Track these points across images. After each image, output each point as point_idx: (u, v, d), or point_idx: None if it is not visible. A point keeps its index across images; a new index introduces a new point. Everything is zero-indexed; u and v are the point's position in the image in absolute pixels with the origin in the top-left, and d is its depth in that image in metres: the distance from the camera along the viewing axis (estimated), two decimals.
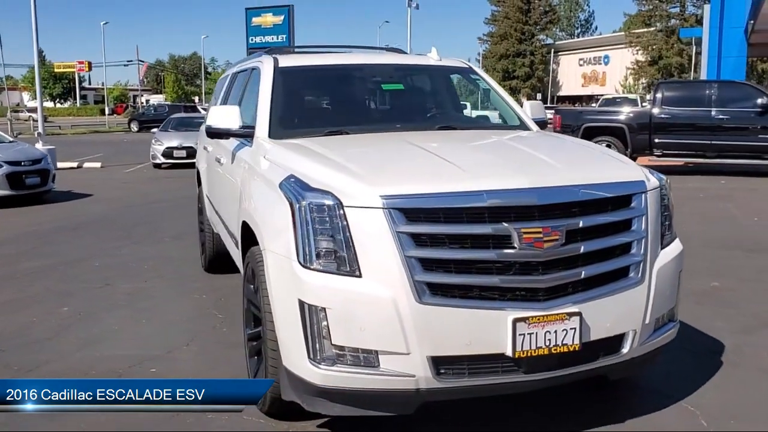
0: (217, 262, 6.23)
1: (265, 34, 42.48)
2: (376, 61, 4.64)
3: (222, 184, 4.71)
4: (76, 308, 5.37)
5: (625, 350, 3.04)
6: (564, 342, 2.83)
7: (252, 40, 42.63)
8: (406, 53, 5.45)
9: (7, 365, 4.20)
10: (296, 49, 5.17)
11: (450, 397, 2.89)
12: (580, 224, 2.88)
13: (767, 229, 8.24)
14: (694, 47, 52.09)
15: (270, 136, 3.88)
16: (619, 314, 2.99)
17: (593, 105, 32.93)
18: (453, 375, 2.81)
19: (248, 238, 3.70)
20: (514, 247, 2.77)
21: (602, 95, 40.34)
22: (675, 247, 3.28)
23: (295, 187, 2.98)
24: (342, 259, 2.79)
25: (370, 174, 2.95)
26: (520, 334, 2.76)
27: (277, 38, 42.23)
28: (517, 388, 2.92)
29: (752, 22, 22.58)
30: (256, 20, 42.64)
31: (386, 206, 2.75)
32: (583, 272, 2.89)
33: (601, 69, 70.26)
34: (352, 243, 2.77)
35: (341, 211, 2.79)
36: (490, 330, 2.77)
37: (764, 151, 13.09)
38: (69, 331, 4.82)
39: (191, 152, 17.45)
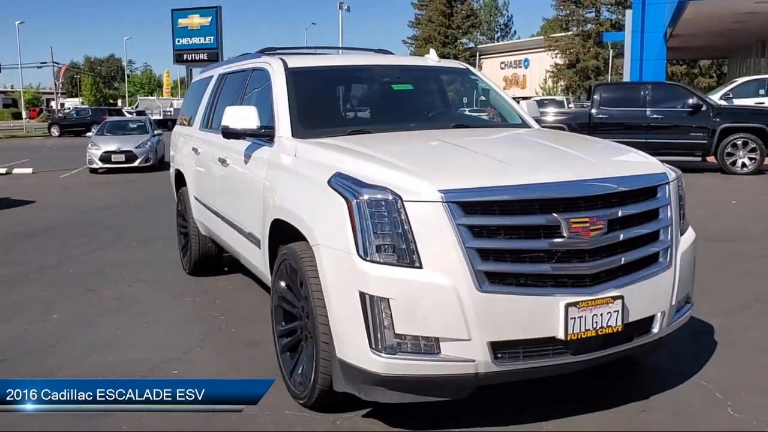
0: (202, 265, 6.20)
1: (192, 36, 41.77)
2: (382, 62, 4.75)
3: (229, 185, 4.71)
4: (66, 315, 5.24)
5: (655, 330, 3.28)
6: (608, 324, 3.03)
7: (178, 41, 41.85)
8: (393, 54, 5.58)
9: (17, 373, 4.09)
10: (285, 51, 5.20)
11: (504, 379, 3.05)
12: (619, 213, 3.10)
13: (714, 220, 8.79)
14: (610, 51, 54.44)
15: (294, 135, 3.94)
16: (652, 297, 3.23)
17: None
18: (509, 359, 2.96)
19: (278, 235, 3.77)
20: (563, 236, 2.95)
21: (523, 98, 41.56)
22: (690, 234, 3.55)
23: (348, 184, 3.07)
24: (402, 251, 2.90)
25: (425, 170, 3.08)
26: (571, 318, 2.94)
27: (205, 40, 41.63)
28: (564, 369, 3.11)
29: (671, 28, 23.88)
30: (182, 21, 41.84)
31: (445, 200, 2.88)
32: (622, 258, 3.10)
33: (522, 72, 72.32)
34: (413, 236, 2.89)
35: (401, 206, 2.90)
36: (543, 315, 2.94)
37: (696, 148, 13.92)
38: (70, 338, 4.72)
39: (130, 156, 17.07)
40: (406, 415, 3.30)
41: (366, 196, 2.96)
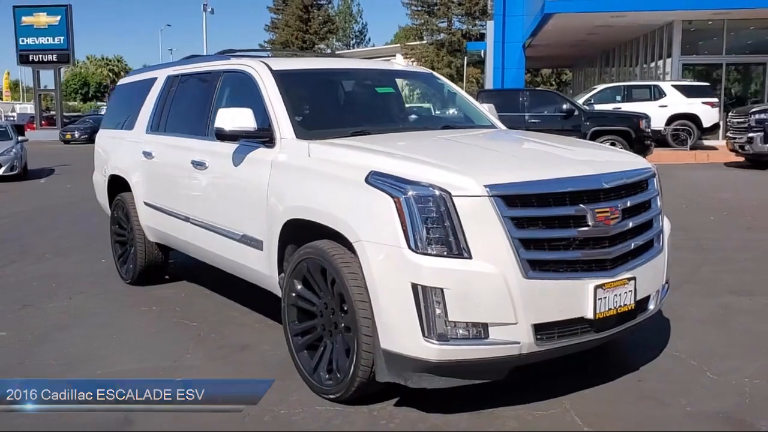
0: (147, 273, 5.99)
1: (39, 36, 38.87)
2: (361, 66, 4.89)
3: (210, 188, 4.63)
4: (15, 332, 4.89)
5: (651, 307, 3.70)
6: (625, 303, 3.40)
7: (23, 41, 38.84)
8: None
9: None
10: (241, 53, 5.19)
11: (540, 358, 3.31)
12: (628, 204, 3.47)
13: None
14: (465, 60, 57.07)
15: (297, 137, 3.99)
16: (651, 277, 3.64)
17: None
18: (546, 339, 3.24)
19: (289, 236, 3.82)
20: (588, 225, 3.28)
21: None
22: (667, 221, 4.02)
23: (391, 182, 3.21)
24: (452, 243, 3.09)
25: (463, 167, 3.28)
26: (599, 299, 3.27)
27: (54, 40, 38.88)
28: (588, 345, 3.43)
29: (530, 39, 25.58)
30: (27, 20, 38.78)
31: (490, 194, 3.11)
32: (632, 244, 3.48)
33: None
34: (462, 229, 3.09)
35: (450, 201, 3.09)
36: (576, 297, 3.25)
37: None
38: (36, 355, 4.42)
39: None
40: (437, 400, 3.47)
41: (414, 193, 3.12)
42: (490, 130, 4.73)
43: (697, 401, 3.52)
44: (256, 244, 4.13)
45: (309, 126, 4.14)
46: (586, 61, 37.09)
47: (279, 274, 3.98)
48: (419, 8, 72.55)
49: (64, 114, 40.19)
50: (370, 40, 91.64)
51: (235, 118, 4.07)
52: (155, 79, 5.89)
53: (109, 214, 6.65)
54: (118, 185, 6.28)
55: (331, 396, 3.53)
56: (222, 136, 4.12)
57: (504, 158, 3.54)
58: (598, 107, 17.86)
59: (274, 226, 3.89)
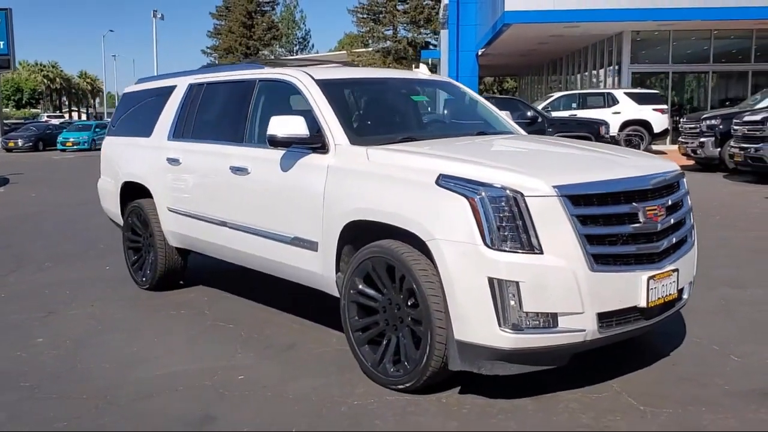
0: (167, 279, 6.07)
1: None
2: (393, 75, 5.12)
3: (255, 193, 4.76)
4: (51, 338, 4.92)
5: (685, 296, 4.05)
6: (670, 292, 3.74)
7: None
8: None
9: (65, 396, 3.89)
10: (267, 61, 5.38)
11: (599, 344, 3.60)
12: (669, 202, 3.81)
13: None
14: (413, 68, 57.68)
15: (351, 143, 4.20)
16: (687, 269, 3.99)
17: None
18: (606, 326, 3.53)
19: (347, 237, 4.03)
20: (640, 222, 3.60)
21: None
22: None
23: (463, 184, 3.46)
24: (525, 240, 3.35)
25: (530, 169, 3.56)
26: (651, 289, 3.59)
27: None
28: (638, 332, 3.75)
29: (485, 48, 26.22)
30: None
31: (559, 194, 3.39)
32: (674, 238, 3.82)
33: None
34: (533, 226, 3.36)
35: (522, 201, 3.35)
36: (632, 287, 3.56)
37: None
38: (84, 359, 4.49)
39: None
40: (496, 387, 3.73)
41: (488, 194, 3.38)
42: (522, 136, 5.04)
43: (731, 381, 3.87)
44: (310, 245, 4.31)
45: (360, 133, 4.35)
46: (533, 70, 38.18)
47: (336, 273, 4.17)
48: (365, 16, 73.20)
49: (4, 122, 38.91)
50: (313, 46, 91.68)
51: (288, 125, 4.24)
52: (174, 87, 5.98)
53: (117, 222, 6.68)
54: (132, 192, 6.33)
55: (400, 386, 3.75)
56: (274, 142, 4.29)
57: (561, 161, 3.85)
58: (555, 114, 18.53)
59: (333, 227, 4.08)
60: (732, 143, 14.05)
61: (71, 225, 10.30)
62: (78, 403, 3.81)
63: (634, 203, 3.60)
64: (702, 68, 23.64)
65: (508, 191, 3.37)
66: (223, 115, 5.41)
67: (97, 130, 36.40)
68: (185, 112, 5.71)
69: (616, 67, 23.12)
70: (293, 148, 4.39)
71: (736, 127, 13.77)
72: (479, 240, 3.36)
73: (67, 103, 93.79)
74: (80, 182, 17.59)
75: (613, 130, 18.71)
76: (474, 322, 3.41)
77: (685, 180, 4.17)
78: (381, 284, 3.86)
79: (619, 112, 19.37)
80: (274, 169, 4.55)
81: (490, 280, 3.34)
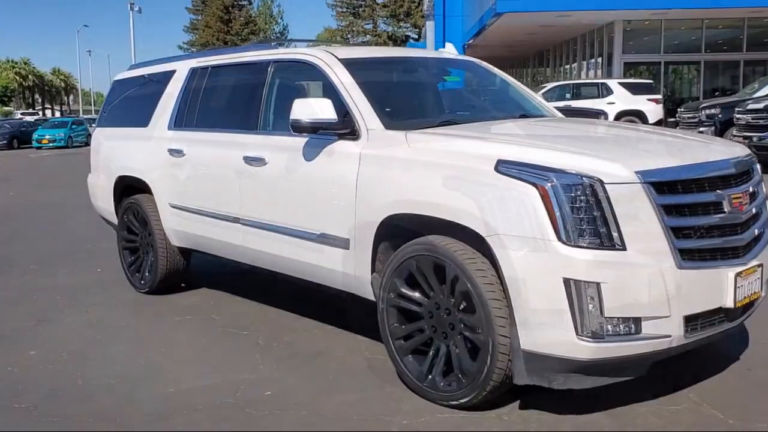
0: (169, 281, 5.57)
1: None
2: (420, 55, 4.65)
3: (274, 186, 4.26)
4: (45, 350, 4.40)
5: (763, 294, 3.63)
6: (755, 290, 3.32)
7: None
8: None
9: (68, 418, 3.39)
10: (295, 42, 4.90)
11: (679, 351, 3.16)
12: (750, 189, 3.39)
13: None
14: None
15: (386, 128, 3.73)
16: (765, 263, 3.57)
17: None
18: (692, 331, 3.10)
19: (384, 232, 3.58)
20: (724, 212, 3.17)
21: None
22: None
23: (530, 171, 3.01)
24: (605, 234, 2.91)
25: (610, 153, 3.12)
26: (738, 286, 3.17)
27: None
28: (722, 335, 3.32)
29: (473, 39, 25.83)
30: None
31: (642, 181, 2.95)
32: (756, 230, 3.40)
33: None
34: (615, 218, 2.92)
35: (601, 189, 2.91)
36: (719, 286, 3.13)
37: None
38: (86, 374, 3.98)
39: None
40: (559, 402, 3.29)
41: (561, 181, 2.93)
42: (573, 119, 4.61)
43: None
44: (340, 242, 3.84)
45: (393, 117, 3.88)
46: (518, 62, 37.86)
47: (371, 273, 3.71)
48: (344, 10, 72.70)
49: None
50: (292, 41, 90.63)
51: (314, 108, 3.77)
52: (173, 71, 5.47)
53: (111, 220, 6.16)
54: (126, 187, 5.82)
55: (454, 402, 3.29)
56: (298, 127, 3.81)
57: (635, 144, 3.41)
58: (551, 104, 18.13)
59: (369, 222, 3.62)
60: (734, 132, 13.75)
61: (54, 224, 9.70)
62: (84, 426, 3.32)
63: (718, 190, 3.17)
64: (694, 58, 23.46)
65: (584, 178, 2.92)
66: (232, 100, 4.91)
67: (73, 126, 35.55)
68: (187, 98, 5.20)
69: (607, 58, 22.84)
70: (318, 134, 3.91)
71: (738, 116, 13.49)
72: (552, 235, 2.91)
73: (40, 100, 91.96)
74: (59, 180, 16.96)
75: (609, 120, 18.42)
76: (546, 330, 2.97)
77: (758, 165, 3.75)
78: (427, 286, 3.41)
79: (613, 103, 19.04)
80: (296, 159, 4.07)
81: (566, 282, 2.89)
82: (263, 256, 4.50)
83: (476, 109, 4.51)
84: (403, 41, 66.07)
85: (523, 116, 4.37)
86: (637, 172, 2.96)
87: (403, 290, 3.50)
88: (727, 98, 16.78)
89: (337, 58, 4.15)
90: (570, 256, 2.88)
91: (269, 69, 4.52)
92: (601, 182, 2.91)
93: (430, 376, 3.40)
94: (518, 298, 3.00)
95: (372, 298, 3.79)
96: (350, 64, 4.11)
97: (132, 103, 6.01)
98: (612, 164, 2.99)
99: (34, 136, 34.18)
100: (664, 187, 3.01)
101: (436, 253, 3.30)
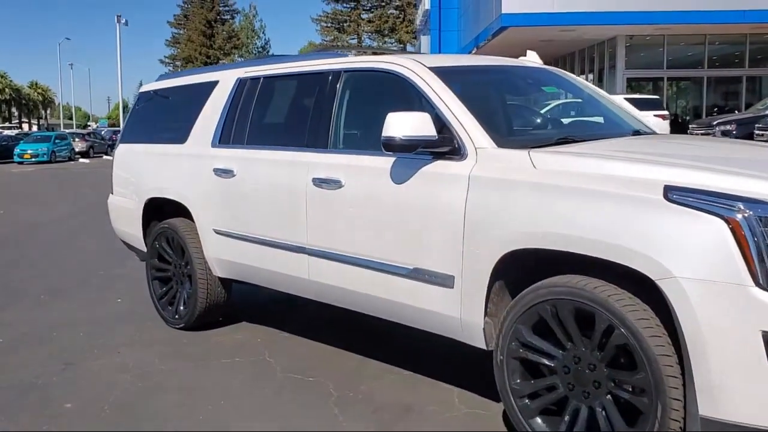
0: (209, 316, 4.98)
1: None
2: (510, 63, 4.12)
3: (356, 212, 3.68)
4: (81, 403, 3.79)
5: None
6: None
7: None
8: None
9: None
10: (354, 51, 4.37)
11: None
12: None
13: None
14: None
15: (498, 146, 3.20)
16: None
17: None
18: None
19: (506, 271, 3.04)
20: None
21: None
22: None
23: (712, 200, 2.50)
24: None
25: None
26: None
27: None
28: None
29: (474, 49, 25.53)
30: None
31: None
32: None
33: None
34: None
35: None
36: None
37: None
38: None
39: None
40: None
41: (756, 212, 2.42)
42: (686, 136, 4.11)
43: None
44: (440, 279, 3.28)
45: (503, 133, 3.36)
46: None
47: (484, 317, 3.16)
48: (329, 25, 72.59)
49: None
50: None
51: (411, 124, 3.23)
52: (215, 82, 4.90)
53: (138, 247, 5.55)
54: (157, 210, 5.23)
55: None
56: (391, 145, 3.26)
57: None
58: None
59: (484, 258, 3.07)
60: None
61: (58, 247, 9.04)
62: None
63: None
64: (696, 73, 23.29)
65: None
66: (292, 115, 4.36)
67: (57, 141, 34.61)
68: (235, 112, 4.62)
69: (611, 72, 22.60)
70: (410, 154, 3.37)
71: (759, 132, 13.19)
72: (747, 278, 2.39)
73: (17, 114, 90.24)
74: (49, 197, 16.22)
75: None
76: (736, 395, 2.44)
77: None
78: (564, 336, 2.87)
79: None
80: (381, 181, 3.52)
81: (765, 335, 2.37)
82: (334, 291, 3.92)
83: (583, 125, 3.99)
84: None
85: (636, 133, 3.86)
86: None
87: (531, 340, 2.96)
88: (741, 114, 16.54)
89: (426, 66, 3.62)
90: None
91: (340, 79, 3.98)
92: None
93: None
94: (699, 355, 2.47)
95: (481, 345, 3.24)
96: (443, 74, 3.58)
97: (164, 117, 5.44)
98: None
99: (16, 150, 33.18)
100: None
101: (582, 297, 2.76)
